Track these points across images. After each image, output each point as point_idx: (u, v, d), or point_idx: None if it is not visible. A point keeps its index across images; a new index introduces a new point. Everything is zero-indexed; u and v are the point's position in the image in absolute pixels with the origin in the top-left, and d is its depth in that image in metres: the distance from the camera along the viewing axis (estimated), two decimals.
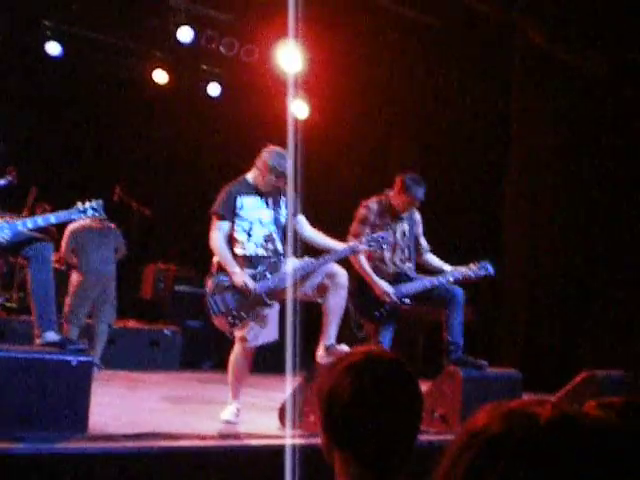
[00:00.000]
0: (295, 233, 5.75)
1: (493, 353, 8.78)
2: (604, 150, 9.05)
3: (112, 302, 8.49)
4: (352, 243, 5.77)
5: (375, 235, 5.76)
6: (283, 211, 5.73)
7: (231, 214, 5.59)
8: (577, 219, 9.29)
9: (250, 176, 5.73)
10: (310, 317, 5.79)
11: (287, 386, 5.47)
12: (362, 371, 1.82)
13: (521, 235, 9.98)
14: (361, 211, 6.29)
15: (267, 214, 5.67)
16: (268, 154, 5.62)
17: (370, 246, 5.72)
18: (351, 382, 1.80)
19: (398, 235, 6.32)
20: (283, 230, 5.71)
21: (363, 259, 6.15)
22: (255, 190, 5.67)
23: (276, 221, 5.68)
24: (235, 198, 5.61)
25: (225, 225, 5.60)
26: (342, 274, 5.50)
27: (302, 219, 5.80)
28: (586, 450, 0.97)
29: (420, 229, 6.55)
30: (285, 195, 5.70)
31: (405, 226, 6.38)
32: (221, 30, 10.86)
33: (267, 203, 5.68)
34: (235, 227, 5.60)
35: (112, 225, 8.48)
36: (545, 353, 9.11)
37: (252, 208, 5.63)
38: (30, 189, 8.80)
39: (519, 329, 9.80)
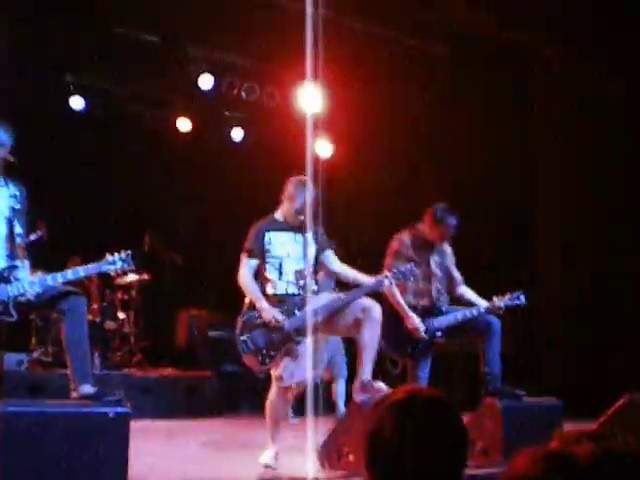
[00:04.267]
0: (325, 268, 5.76)
1: (532, 381, 8.68)
2: (631, 170, 9.00)
3: None
4: (379, 277, 5.69)
5: (402, 268, 5.70)
6: (312, 246, 5.70)
7: (260, 250, 5.58)
8: (607, 242, 9.23)
9: (278, 212, 5.75)
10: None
11: (308, 426, 5.42)
12: (405, 410, 1.80)
13: (554, 262, 9.94)
14: (394, 245, 6.24)
15: (296, 249, 5.64)
16: (291, 182, 5.69)
17: (397, 279, 5.67)
18: (394, 421, 1.79)
19: (433, 265, 6.29)
20: (312, 265, 5.68)
21: (397, 292, 6.10)
22: (284, 225, 5.67)
23: (305, 256, 5.64)
24: (263, 234, 5.61)
25: (253, 262, 5.58)
26: (376, 308, 5.44)
27: (330, 254, 5.78)
28: None
29: (451, 261, 6.49)
30: (312, 230, 5.67)
31: (437, 258, 6.36)
32: (241, 75, 10.98)
33: (296, 238, 5.66)
34: (266, 265, 5.58)
35: None
36: (584, 378, 8.98)
37: (281, 243, 5.61)
38: (71, 257, 8.79)
39: (557, 355, 9.71)
